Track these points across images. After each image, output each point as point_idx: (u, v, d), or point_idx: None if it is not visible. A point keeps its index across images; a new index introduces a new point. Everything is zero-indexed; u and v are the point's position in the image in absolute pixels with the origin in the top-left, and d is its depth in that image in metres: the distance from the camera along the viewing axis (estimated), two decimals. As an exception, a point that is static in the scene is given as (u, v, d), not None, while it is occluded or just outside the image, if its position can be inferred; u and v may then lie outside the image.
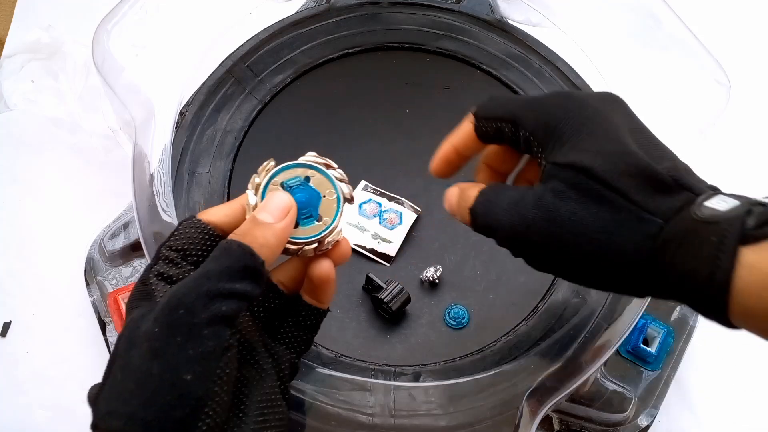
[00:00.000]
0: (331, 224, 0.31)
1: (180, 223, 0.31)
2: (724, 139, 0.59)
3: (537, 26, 0.60)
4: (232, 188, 0.52)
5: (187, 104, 0.54)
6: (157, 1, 0.49)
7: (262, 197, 0.31)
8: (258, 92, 0.56)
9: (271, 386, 0.30)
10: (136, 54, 0.49)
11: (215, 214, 0.31)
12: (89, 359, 0.49)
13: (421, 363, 0.46)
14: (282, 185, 0.31)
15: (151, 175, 0.47)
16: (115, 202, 0.53)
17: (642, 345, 0.47)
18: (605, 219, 0.29)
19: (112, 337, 0.47)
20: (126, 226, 0.50)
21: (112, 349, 0.28)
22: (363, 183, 0.53)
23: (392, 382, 0.45)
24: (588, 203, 0.29)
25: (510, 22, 0.60)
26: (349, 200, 0.33)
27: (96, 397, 0.27)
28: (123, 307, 0.47)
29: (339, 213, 0.32)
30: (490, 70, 0.58)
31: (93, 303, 0.49)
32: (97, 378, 0.48)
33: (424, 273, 0.49)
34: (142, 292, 0.29)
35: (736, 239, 0.25)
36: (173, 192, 0.49)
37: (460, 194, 0.35)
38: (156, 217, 0.44)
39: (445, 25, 0.60)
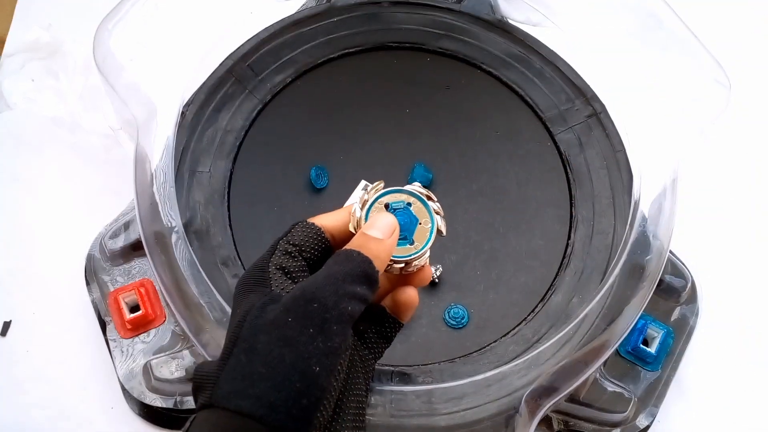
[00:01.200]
0: (422, 249, 0.35)
1: (294, 224, 0.34)
2: (725, 139, 0.59)
3: (538, 26, 0.59)
4: (232, 188, 0.52)
5: (188, 104, 0.54)
6: (157, 1, 0.49)
7: (367, 213, 0.35)
8: (258, 92, 0.56)
9: (362, 388, 0.32)
10: (136, 54, 0.49)
11: (325, 219, 0.35)
12: (89, 358, 0.49)
13: (421, 363, 0.46)
14: (386, 206, 0.35)
15: (152, 174, 0.47)
16: (115, 202, 0.53)
17: (642, 345, 0.48)
18: None
19: (113, 336, 0.48)
20: (127, 225, 0.50)
21: (229, 331, 0.30)
22: (363, 183, 0.53)
23: (392, 383, 0.45)
24: None
25: (511, 21, 0.60)
26: (441, 232, 0.36)
27: (207, 378, 0.28)
28: (123, 306, 0.47)
29: (430, 241, 0.35)
30: (490, 70, 0.58)
31: (93, 302, 0.49)
32: (97, 378, 0.48)
33: (424, 273, 0.49)
34: (258, 278, 0.32)
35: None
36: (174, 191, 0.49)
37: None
38: (157, 216, 0.44)
39: (445, 25, 0.60)
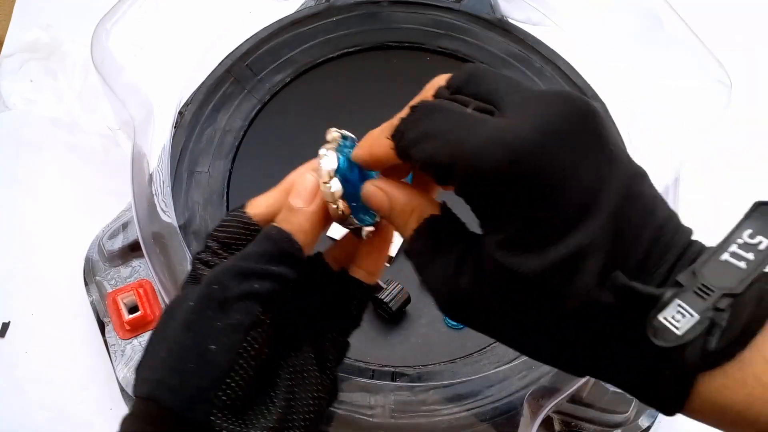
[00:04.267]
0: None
1: (227, 214, 0.32)
2: (725, 139, 0.59)
3: (538, 25, 0.59)
4: (231, 188, 0.52)
5: (186, 104, 0.54)
6: (156, 1, 0.49)
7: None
8: (257, 92, 0.56)
9: (304, 363, 0.30)
10: (136, 53, 0.49)
11: (258, 206, 0.32)
12: (88, 359, 0.49)
13: (421, 363, 0.46)
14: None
15: (150, 175, 0.47)
16: (114, 202, 0.53)
17: (643, 345, 0.47)
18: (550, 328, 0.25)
19: (111, 337, 0.47)
20: (125, 226, 0.50)
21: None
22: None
23: (392, 383, 0.44)
24: (529, 312, 0.25)
25: (511, 21, 0.60)
26: None
27: (136, 370, 0.29)
28: (122, 307, 0.47)
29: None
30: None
31: (92, 303, 0.49)
32: (96, 379, 0.48)
33: (424, 273, 0.49)
34: (191, 275, 0.31)
35: (692, 373, 0.23)
36: (172, 192, 0.49)
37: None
38: (155, 217, 0.44)
39: (445, 24, 0.60)
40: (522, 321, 0.25)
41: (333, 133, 0.32)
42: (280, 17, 0.59)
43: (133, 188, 0.44)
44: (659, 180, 0.47)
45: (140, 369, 0.28)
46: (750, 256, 0.22)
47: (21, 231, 0.54)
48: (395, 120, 0.28)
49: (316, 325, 0.32)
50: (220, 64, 0.56)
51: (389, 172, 0.30)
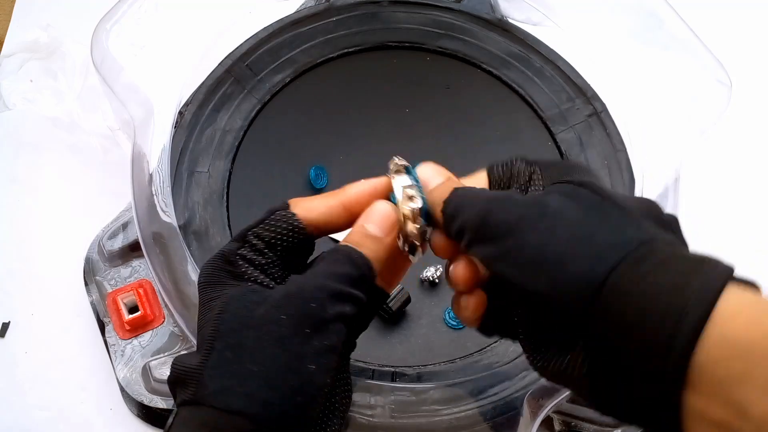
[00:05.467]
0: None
1: (271, 212, 0.31)
2: (726, 139, 0.59)
3: (538, 25, 0.59)
4: (231, 188, 0.52)
5: (186, 104, 0.54)
6: (156, 1, 0.49)
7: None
8: (257, 91, 0.56)
9: (348, 381, 0.31)
10: (136, 53, 0.49)
11: (312, 211, 0.31)
12: (88, 359, 0.49)
13: (422, 363, 0.46)
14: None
15: (150, 175, 0.47)
16: (114, 202, 0.53)
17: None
18: (592, 218, 0.26)
19: (111, 337, 0.47)
20: (125, 226, 0.50)
21: (204, 324, 0.29)
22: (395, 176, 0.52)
23: (392, 383, 0.44)
24: (580, 203, 0.27)
25: (511, 21, 0.60)
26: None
27: (189, 373, 0.27)
28: (122, 307, 0.47)
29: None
30: (490, 69, 0.58)
31: (92, 303, 0.49)
32: (96, 379, 0.48)
33: (424, 272, 0.49)
34: (228, 270, 0.30)
35: (729, 271, 0.23)
36: (172, 192, 0.49)
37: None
38: (155, 217, 0.44)
39: (445, 24, 0.60)
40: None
41: (403, 178, 0.33)
42: (280, 17, 0.59)
43: (133, 188, 0.44)
44: (659, 180, 0.47)
45: (211, 378, 0.27)
46: None
47: (21, 231, 0.54)
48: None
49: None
50: (220, 64, 0.56)
51: None
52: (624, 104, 0.54)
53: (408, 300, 0.47)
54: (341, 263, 0.29)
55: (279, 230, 0.31)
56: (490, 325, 0.33)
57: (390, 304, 0.46)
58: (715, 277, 0.23)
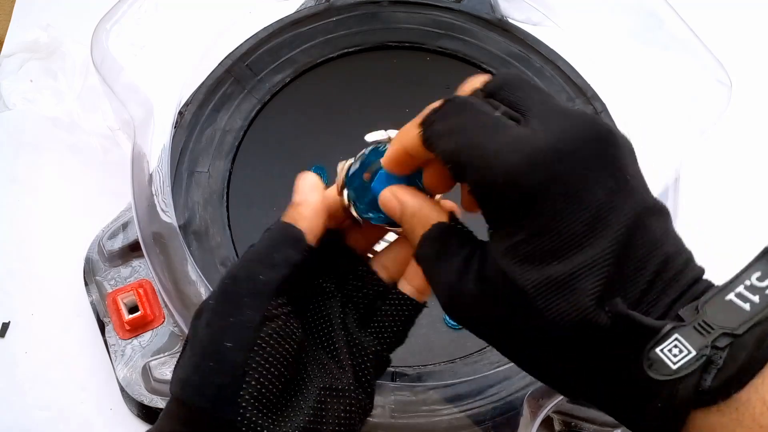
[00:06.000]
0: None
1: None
2: (726, 139, 0.59)
3: (538, 25, 0.59)
4: (231, 188, 0.52)
5: (186, 104, 0.54)
6: (156, 1, 0.49)
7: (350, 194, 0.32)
8: (257, 91, 0.56)
9: (340, 374, 0.30)
10: (136, 53, 0.49)
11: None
12: (88, 359, 0.49)
13: (421, 363, 0.46)
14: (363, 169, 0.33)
15: (150, 175, 0.47)
16: (114, 202, 0.53)
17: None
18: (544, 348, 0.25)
19: (111, 337, 0.47)
20: (125, 226, 0.50)
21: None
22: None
23: (392, 383, 0.44)
24: (523, 324, 0.24)
25: (511, 21, 0.60)
26: None
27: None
28: (122, 307, 0.47)
29: None
30: (490, 69, 0.58)
31: (92, 303, 0.49)
32: (96, 379, 0.48)
33: (424, 273, 0.49)
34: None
35: (686, 408, 0.22)
36: (172, 192, 0.49)
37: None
38: (155, 217, 0.44)
39: (445, 24, 0.60)
40: (518, 332, 0.25)
41: (374, 136, 0.34)
42: (280, 17, 0.59)
43: (133, 188, 0.44)
44: (659, 180, 0.47)
45: (174, 369, 0.29)
46: (755, 298, 0.22)
47: (21, 231, 0.54)
48: (427, 110, 0.28)
49: (357, 336, 0.31)
50: (220, 64, 0.56)
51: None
52: (624, 104, 0.54)
53: (408, 300, 0.47)
54: (260, 239, 0.30)
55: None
56: None
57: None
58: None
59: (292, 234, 0.29)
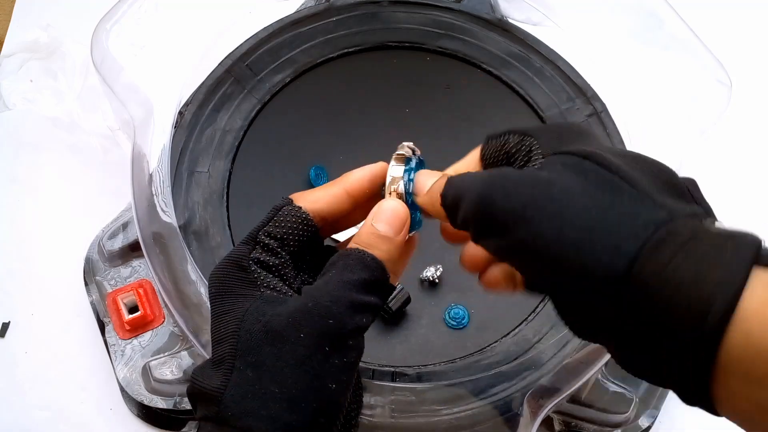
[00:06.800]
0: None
1: (279, 209, 0.31)
2: (726, 139, 0.59)
3: (538, 25, 0.59)
4: (231, 188, 0.52)
5: (186, 104, 0.54)
6: (156, 1, 0.49)
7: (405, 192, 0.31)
8: (257, 92, 0.56)
9: (358, 385, 0.31)
10: (136, 53, 0.49)
11: (318, 202, 0.31)
12: (88, 359, 0.49)
13: (421, 363, 0.46)
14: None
15: (150, 175, 0.47)
16: (114, 202, 0.53)
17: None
18: (604, 199, 0.24)
19: (111, 337, 0.47)
20: (125, 226, 0.50)
21: (221, 337, 0.28)
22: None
23: (392, 383, 0.44)
24: (588, 182, 0.25)
25: (510, 21, 0.60)
26: None
27: (210, 392, 0.27)
28: (122, 307, 0.47)
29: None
30: (490, 69, 0.58)
31: (92, 303, 0.49)
32: (96, 379, 0.48)
33: (424, 272, 0.49)
34: (240, 277, 0.29)
35: (754, 252, 0.22)
36: (172, 192, 0.49)
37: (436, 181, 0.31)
38: (155, 217, 0.44)
39: (445, 24, 0.60)
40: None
41: (405, 149, 0.32)
42: (280, 17, 0.59)
43: (133, 188, 0.44)
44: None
45: (232, 398, 0.26)
46: None
47: (21, 231, 0.54)
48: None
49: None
50: (220, 64, 0.56)
51: None
52: (624, 104, 0.54)
53: (408, 300, 0.47)
54: (354, 269, 0.28)
55: (290, 226, 0.30)
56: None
57: (390, 304, 0.46)
58: (739, 262, 0.21)
59: (385, 281, 0.29)
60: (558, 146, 0.28)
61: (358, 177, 0.32)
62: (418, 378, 0.45)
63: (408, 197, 0.31)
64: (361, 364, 0.45)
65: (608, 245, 0.23)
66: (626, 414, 0.46)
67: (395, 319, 0.47)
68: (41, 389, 0.48)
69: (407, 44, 0.59)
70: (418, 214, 0.32)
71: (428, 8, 0.60)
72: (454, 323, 0.48)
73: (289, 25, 0.59)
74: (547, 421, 0.46)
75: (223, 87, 0.55)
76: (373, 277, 0.28)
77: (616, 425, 0.46)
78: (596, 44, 0.55)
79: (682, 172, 0.47)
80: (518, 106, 0.57)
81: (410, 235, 0.32)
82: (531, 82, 0.57)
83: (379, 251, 0.29)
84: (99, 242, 0.50)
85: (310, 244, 0.31)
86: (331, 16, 0.59)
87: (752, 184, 0.59)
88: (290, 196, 0.31)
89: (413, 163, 0.32)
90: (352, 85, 0.57)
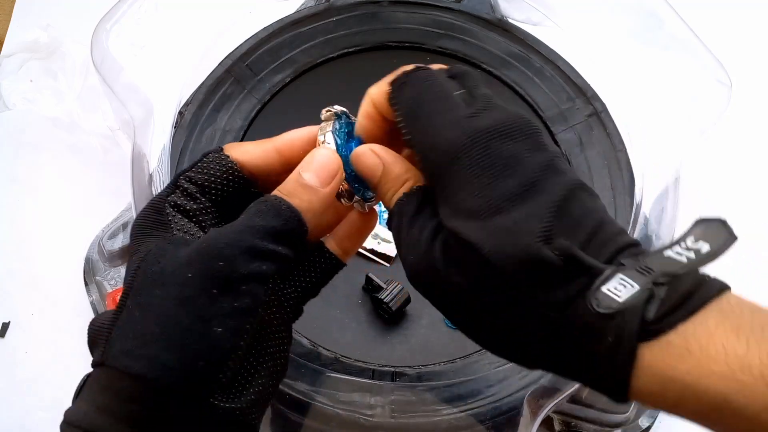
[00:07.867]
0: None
1: (205, 155, 0.30)
2: (726, 139, 0.59)
3: (538, 25, 0.59)
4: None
5: (186, 104, 0.54)
6: (156, 1, 0.49)
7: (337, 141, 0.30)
8: (257, 91, 0.56)
9: (279, 329, 0.29)
10: (136, 53, 0.49)
11: (246, 153, 0.30)
12: (88, 359, 0.49)
13: (422, 363, 0.46)
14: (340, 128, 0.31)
15: (150, 175, 0.47)
16: (114, 202, 0.53)
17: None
18: (499, 302, 0.25)
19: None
20: (125, 226, 0.50)
21: (125, 278, 0.27)
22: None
23: (392, 383, 0.44)
24: (479, 284, 0.25)
25: (510, 21, 0.60)
26: None
27: (100, 332, 0.26)
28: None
29: None
30: (490, 69, 0.58)
31: (92, 303, 0.49)
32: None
33: (425, 273, 0.49)
34: (156, 220, 0.28)
35: (633, 340, 0.22)
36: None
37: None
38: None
39: (445, 24, 0.60)
40: (475, 298, 0.25)
41: (327, 113, 0.32)
42: (280, 17, 0.59)
43: (133, 188, 0.44)
44: (659, 180, 0.47)
45: (116, 338, 0.25)
46: (691, 254, 0.24)
47: (21, 231, 0.54)
48: (399, 71, 0.30)
49: (281, 289, 0.30)
50: (220, 64, 0.56)
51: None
52: (624, 104, 0.54)
53: (408, 300, 0.47)
54: (264, 215, 0.27)
55: (212, 172, 0.29)
56: None
57: (390, 304, 0.46)
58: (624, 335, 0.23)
59: (299, 231, 0.28)
60: (443, 187, 0.27)
61: (289, 137, 0.31)
62: (418, 378, 0.45)
63: (339, 149, 0.30)
64: (361, 364, 0.45)
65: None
66: (626, 414, 0.46)
67: (395, 319, 0.47)
68: (41, 389, 0.48)
69: (407, 44, 0.59)
70: (369, 192, 0.31)
71: (428, 8, 0.60)
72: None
73: (289, 25, 0.59)
74: (547, 421, 0.46)
75: (223, 87, 0.55)
76: (286, 227, 0.27)
77: (616, 425, 0.46)
78: (596, 44, 0.55)
79: (682, 172, 0.47)
80: (518, 106, 0.57)
81: (353, 205, 0.31)
82: (531, 82, 0.57)
83: (300, 201, 0.28)
84: (99, 242, 0.50)
85: (238, 194, 0.30)
86: (331, 16, 0.59)
87: (752, 184, 0.59)
88: (224, 146, 0.31)
89: (343, 120, 0.32)
90: (352, 85, 0.57)
